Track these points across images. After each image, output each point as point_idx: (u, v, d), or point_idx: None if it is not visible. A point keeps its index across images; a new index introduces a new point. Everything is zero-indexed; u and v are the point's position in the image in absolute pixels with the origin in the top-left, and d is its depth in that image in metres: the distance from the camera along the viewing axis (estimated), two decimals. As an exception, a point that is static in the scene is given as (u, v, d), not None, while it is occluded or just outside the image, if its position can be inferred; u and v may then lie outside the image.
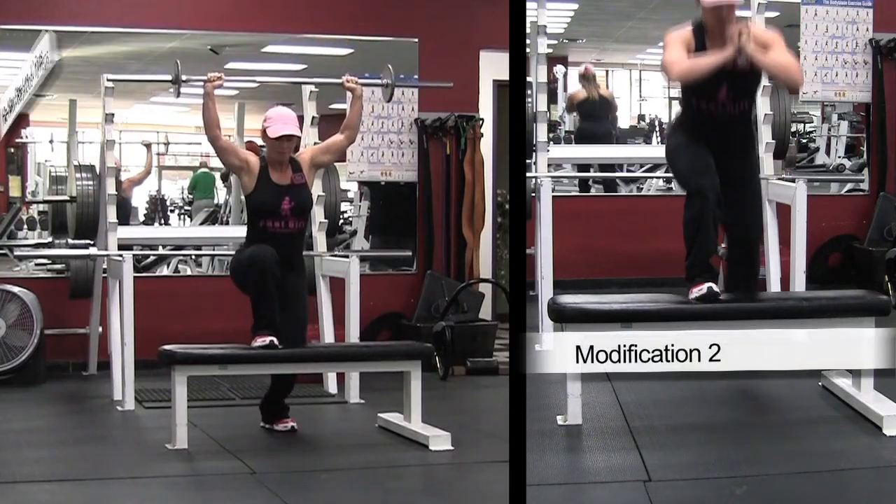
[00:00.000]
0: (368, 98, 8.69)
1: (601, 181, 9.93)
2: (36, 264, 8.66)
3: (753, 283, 5.49)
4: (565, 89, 10.64)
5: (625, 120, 11.66)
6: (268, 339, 5.90)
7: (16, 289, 7.71)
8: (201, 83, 6.23)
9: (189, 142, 10.24)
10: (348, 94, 6.56)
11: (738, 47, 5.08)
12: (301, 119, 7.51)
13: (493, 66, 9.14)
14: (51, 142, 9.18)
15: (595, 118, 10.03)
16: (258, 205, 6.01)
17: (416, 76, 8.82)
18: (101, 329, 7.83)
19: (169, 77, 6.67)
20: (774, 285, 6.90)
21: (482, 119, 8.98)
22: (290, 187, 6.01)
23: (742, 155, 5.38)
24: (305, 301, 6.25)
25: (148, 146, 9.24)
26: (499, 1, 8.19)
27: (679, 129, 5.47)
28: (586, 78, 10.12)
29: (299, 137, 6.19)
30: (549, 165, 6.99)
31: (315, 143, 7.45)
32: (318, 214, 7.54)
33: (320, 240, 7.53)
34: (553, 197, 6.87)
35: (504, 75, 9.14)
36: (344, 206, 9.38)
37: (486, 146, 9.23)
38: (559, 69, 10.51)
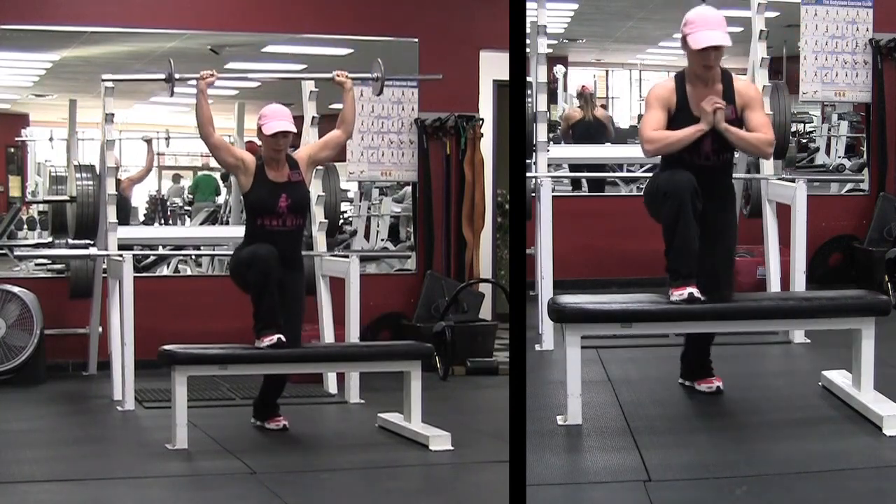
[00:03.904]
0: (369, 98, 8.70)
1: (589, 181, 9.90)
2: (36, 264, 8.66)
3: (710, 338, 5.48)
4: (565, 89, 10.63)
5: (624, 120, 11.66)
6: (275, 338, 5.89)
7: (16, 289, 7.71)
8: (195, 81, 6.20)
9: (188, 145, 10.21)
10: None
11: (711, 123, 5.10)
12: (301, 119, 7.51)
13: (493, 66, 9.14)
14: (51, 139, 9.15)
15: (589, 140, 9.94)
16: (255, 203, 6.00)
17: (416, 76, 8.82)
18: (101, 329, 7.83)
19: (162, 76, 6.56)
20: (774, 285, 6.90)
21: (482, 119, 8.99)
22: (286, 185, 6.00)
23: (720, 208, 5.29)
24: (303, 300, 6.24)
25: (148, 142, 9.22)
26: (499, 1, 8.21)
27: (658, 178, 5.35)
28: (583, 97, 10.06)
29: (295, 134, 6.17)
30: (548, 165, 6.98)
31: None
32: (318, 214, 7.54)
33: (320, 240, 7.53)
34: (553, 197, 6.87)
35: (504, 75, 9.14)
36: (344, 206, 9.39)
37: (486, 146, 9.23)
38: (559, 69, 10.50)
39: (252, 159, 6.04)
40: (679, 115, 5.20)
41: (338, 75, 6.48)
